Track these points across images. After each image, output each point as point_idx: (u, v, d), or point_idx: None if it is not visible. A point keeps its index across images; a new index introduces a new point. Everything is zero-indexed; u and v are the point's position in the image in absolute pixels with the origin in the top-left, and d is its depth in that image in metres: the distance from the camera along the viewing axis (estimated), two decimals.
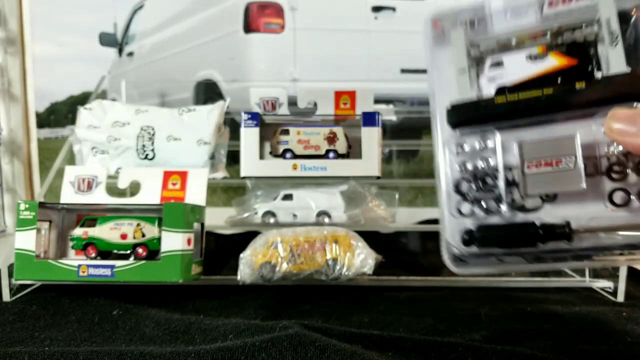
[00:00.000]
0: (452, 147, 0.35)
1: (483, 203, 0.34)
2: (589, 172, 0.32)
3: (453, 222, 0.35)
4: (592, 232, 0.31)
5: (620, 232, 0.31)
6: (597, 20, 0.34)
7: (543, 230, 0.32)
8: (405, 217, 0.81)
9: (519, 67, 0.35)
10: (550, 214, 0.33)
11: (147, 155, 0.65)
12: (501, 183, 0.34)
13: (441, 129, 0.36)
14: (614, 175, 0.32)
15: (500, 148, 0.34)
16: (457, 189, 0.35)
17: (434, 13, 0.38)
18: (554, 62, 0.34)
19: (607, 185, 0.31)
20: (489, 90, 0.36)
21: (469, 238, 0.34)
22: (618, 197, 0.31)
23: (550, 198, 0.33)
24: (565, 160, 0.32)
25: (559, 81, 0.34)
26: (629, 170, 0.31)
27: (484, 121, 0.35)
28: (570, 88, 0.33)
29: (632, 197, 0.31)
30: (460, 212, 0.35)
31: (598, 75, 0.33)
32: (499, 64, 0.36)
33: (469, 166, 0.35)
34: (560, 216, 0.32)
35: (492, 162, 0.34)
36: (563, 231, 0.32)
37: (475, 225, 0.34)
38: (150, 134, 0.65)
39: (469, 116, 0.35)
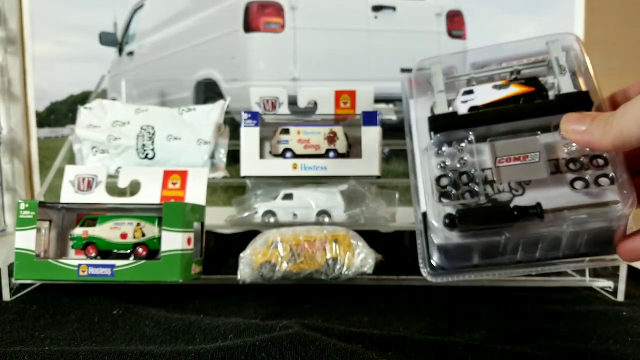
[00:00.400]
0: (433, 150, 0.41)
1: (461, 195, 0.38)
2: (552, 170, 0.37)
3: (436, 209, 0.38)
4: (560, 212, 0.36)
5: (583, 211, 0.36)
6: (547, 62, 0.42)
7: (517, 210, 0.36)
8: (405, 217, 0.81)
9: (486, 94, 0.42)
10: (521, 201, 0.37)
11: (147, 154, 0.65)
12: (477, 175, 0.39)
13: (419, 139, 0.43)
14: (573, 169, 0.37)
15: (475, 147, 0.40)
16: (438, 183, 0.39)
17: (413, 75, 0.47)
18: (515, 89, 0.42)
19: (569, 176, 0.37)
20: (463, 110, 0.41)
21: (450, 221, 0.37)
22: (578, 184, 0.37)
23: (519, 192, 0.38)
24: (531, 155, 0.38)
25: (521, 102, 0.41)
26: (583, 160, 0.37)
27: (461, 127, 0.40)
28: (532, 103, 0.40)
29: (590, 183, 0.36)
30: (441, 202, 0.39)
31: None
32: (470, 92, 0.42)
33: (448, 163, 0.40)
34: (531, 200, 0.37)
35: (467, 161, 0.39)
36: (535, 211, 0.36)
37: (455, 210, 0.38)
38: (150, 134, 0.65)
39: (448, 122, 0.41)
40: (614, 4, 0.86)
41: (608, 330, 0.47)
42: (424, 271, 0.41)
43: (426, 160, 0.41)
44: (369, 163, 0.64)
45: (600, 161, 0.36)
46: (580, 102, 0.38)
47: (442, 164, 0.40)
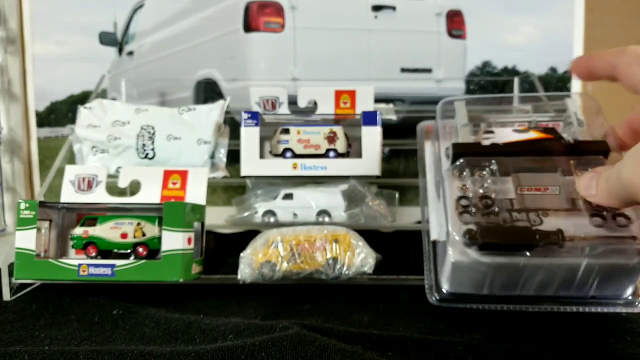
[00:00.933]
0: (454, 175, 0.43)
1: (482, 216, 0.40)
2: (571, 207, 0.40)
3: (456, 225, 0.39)
4: (579, 240, 0.38)
5: (601, 241, 0.38)
6: (564, 118, 0.47)
7: (539, 234, 0.37)
8: (405, 217, 0.81)
9: (507, 135, 0.45)
10: (541, 227, 0.39)
11: (147, 154, 0.65)
12: (497, 200, 0.40)
13: (444, 164, 0.45)
14: (590, 207, 0.39)
15: (497, 177, 0.42)
16: (459, 202, 0.40)
17: (426, 124, 0.53)
18: (535, 134, 0.44)
19: (587, 212, 0.39)
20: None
21: (470, 236, 0.38)
22: (596, 220, 0.38)
23: (537, 223, 0.39)
24: (552, 188, 0.40)
25: None
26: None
27: (483, 154, 0.43)
28: (554, 141, 0.43)
29: (608, 220, 0.38)
30: (462, 217, 0.40)
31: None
32: (491, 131, 0.45)
33: (469, 186, 0.41)
34: (552, 226, 0.38)
35: (488, 188, 0.41)
36: (556, 237, 0.37)
37: (476, 226, 0.38)
38: (150, 133, 0.65)
39: (471, 149, 0.43)
40: (614, 4, 0.86)
41: (608, 331, 0.47)
42: (432, 298, 0.43)
43: (447, 184, 0.42)
44: (369, 163, 0.64)
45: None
46: (597, 147, 0.42)
47: (463, 187, 0.41)
